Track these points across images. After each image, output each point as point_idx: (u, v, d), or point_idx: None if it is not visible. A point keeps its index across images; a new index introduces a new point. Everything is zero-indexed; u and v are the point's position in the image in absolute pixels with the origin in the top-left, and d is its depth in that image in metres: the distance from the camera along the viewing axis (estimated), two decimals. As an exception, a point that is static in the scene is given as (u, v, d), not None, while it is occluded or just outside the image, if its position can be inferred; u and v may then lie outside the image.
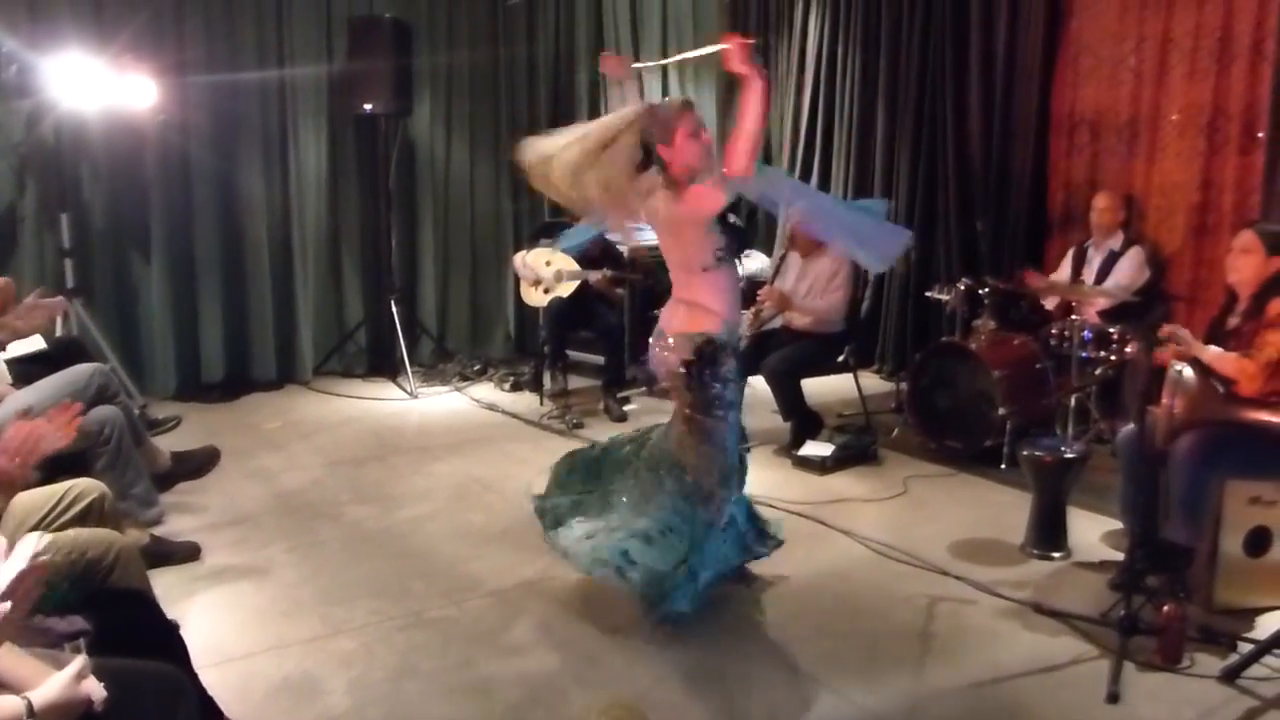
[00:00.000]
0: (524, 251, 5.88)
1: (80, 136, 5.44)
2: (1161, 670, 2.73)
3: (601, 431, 5.07)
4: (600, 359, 5.88)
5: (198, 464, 4.10)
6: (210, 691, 2.16)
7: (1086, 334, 4.48)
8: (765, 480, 4.20)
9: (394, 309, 6.23)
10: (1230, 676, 2.68)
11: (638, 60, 3.90)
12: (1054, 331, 4.69)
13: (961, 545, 3.67)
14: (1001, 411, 4.39)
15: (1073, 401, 4.53)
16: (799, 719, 2.57)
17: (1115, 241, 4.88)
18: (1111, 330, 4.49)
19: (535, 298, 5.73)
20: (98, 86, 4.89)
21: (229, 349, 6.07)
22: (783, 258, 5.19)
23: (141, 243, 5.77)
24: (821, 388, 5.16)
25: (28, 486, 2.32)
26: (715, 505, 2.96)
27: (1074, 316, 4.50)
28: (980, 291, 4.83)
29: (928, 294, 5.32)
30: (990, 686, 2.70)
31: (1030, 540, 3.61)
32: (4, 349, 3.71)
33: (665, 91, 7.15)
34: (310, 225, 6.36)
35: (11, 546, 1.58)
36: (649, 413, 5.28)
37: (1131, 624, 2.78)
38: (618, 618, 3.06)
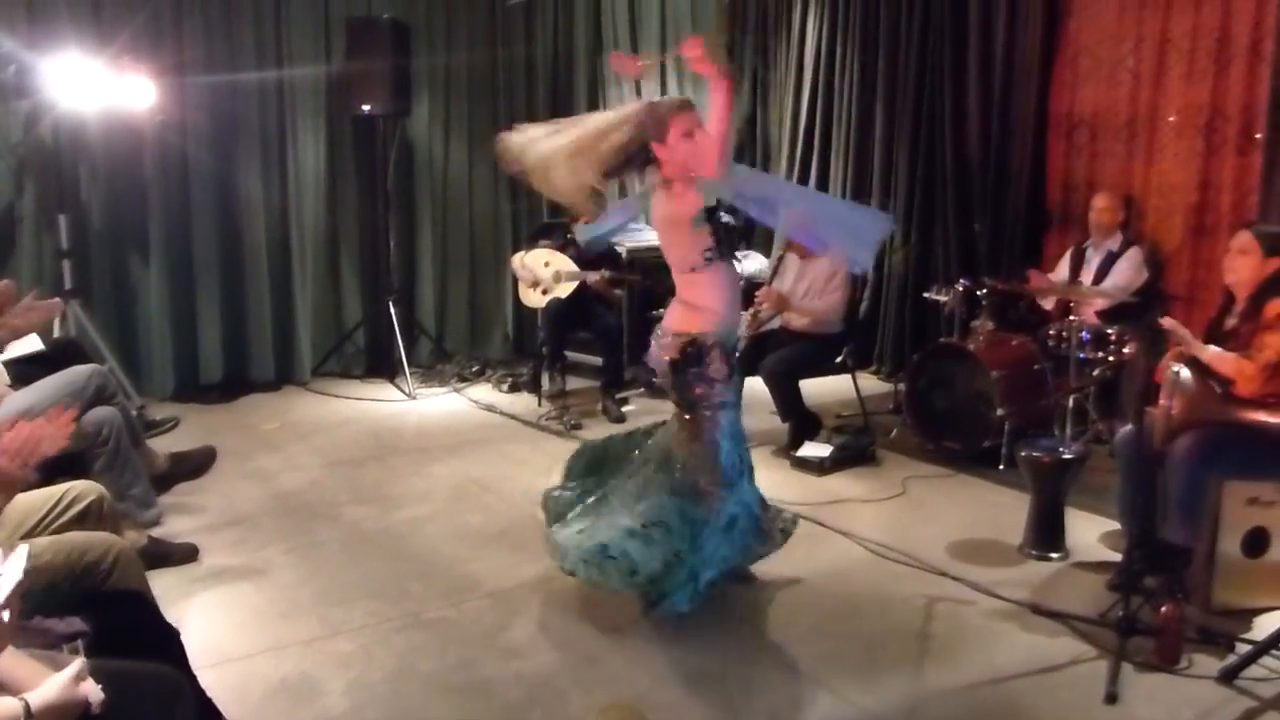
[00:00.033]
0: (522, 252, 5.88)
1: (78, 137, 5.44)
2: (1160, 671, 2.73)
3: (600, 433, 5.06)
4: (599, 360, 5.88)
5: (195, 464, 4.10)
6: (208, 693, 2.16)
7: (1085, 335, 4.48)
8: (764, 481, 4.12)
9: (392, 310, 6.23)
10: (1228, 677, 2.68)
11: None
12: (1052, 332, 4.69)
13: (960, 546, 3.67)
14: (1000, 412, 4.39)
15: (1071, 402, 4.53)
16: (797, 720, 2.57)
17: (1114, 242, 4.89)
18: (1110, 331, 4.49)
19: (533, 298, 5.73)
20: (96, 87, 4.88)
21: (227, 350, 6.07)
22: (780, 258, 5.19)
23: (140, 243, 5.76)
24: (820, 388, 5.16)
25: (27, 488, 2.32)
26: (709, 504, 2.96)
27: (1072, 317, 4.50)
28: (978, 292, 4.84)
29: (926, 295, 5.33)
30: (988, 687, 2.70)
31: (1028, 541, 3.61)
32: (2, 349, 3.71)
33: (664, 90, 7.14)
34: (309, 226, 6.36)
35: (6, 554, 1.58)
36: (647, 413, 5.28)
37: (1130, 625, 2.78)
38: (617, 618, 3.06)
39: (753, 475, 3.18)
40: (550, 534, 3.17)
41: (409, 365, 6.23)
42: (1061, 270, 5.06)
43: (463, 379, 6.37)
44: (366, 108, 6.03)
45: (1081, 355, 4.46)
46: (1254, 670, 2.69)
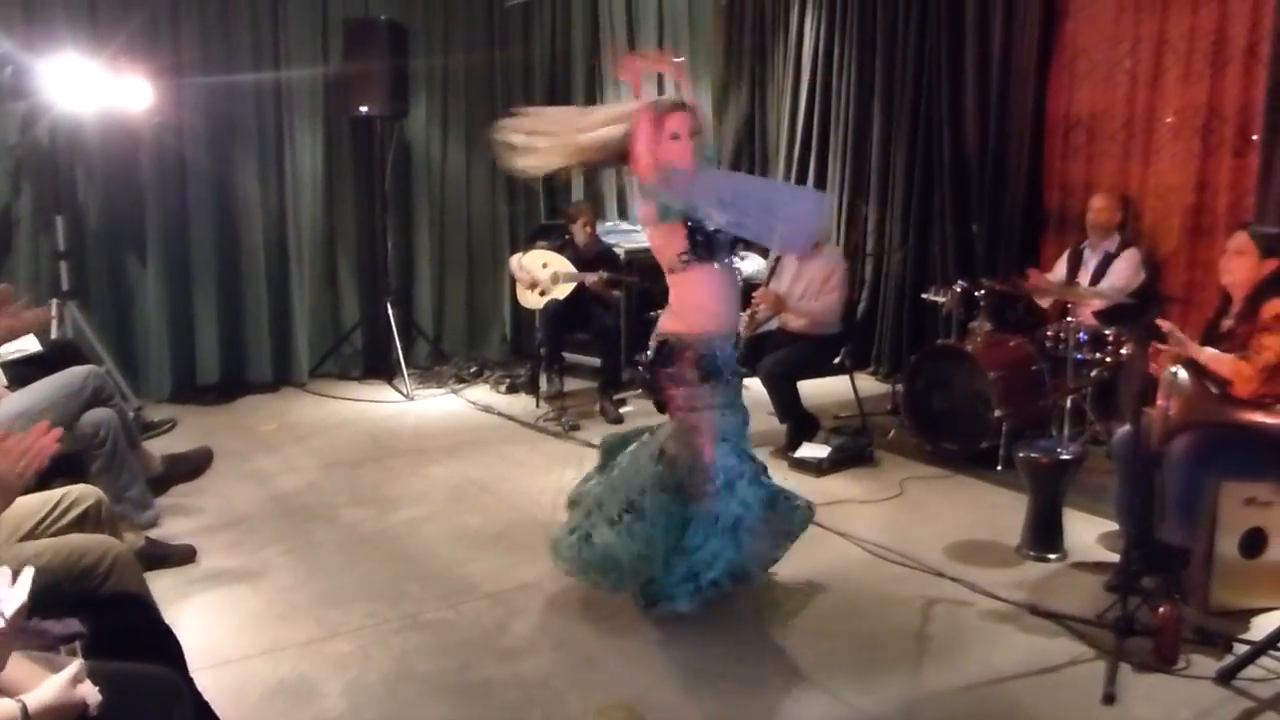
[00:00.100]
0: (520, 253, 5.89)
1: (76, 138, 5.43)
2: (1157, 671, 2.74)
3: (598, 434, 5.06)
4: (596, 361, 5.88)
5: (192, 466, 4.09)
6: (205, 695, 2.15)
7: (1082, 336, 4.49)
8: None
9: (390, 311, 6.23)
10: (1226, 677, 2.69)
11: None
12: (1050, 333, 4.69)
13: (958, 547, 3.67)
14: (997, 413, 4.40)
15: (1068, 403, 4.53)
16: (796, 721, 2.57)
17: (1111, 243, 4.89)
18: (1107, 332, 4.49)
19: (531, 300, 5.73)
20: (93, 88, 4.87)
21: (224, 351, 6.07)
22: (778, 259, 5.20)
23: (137, 245, 5.76)
24: (818, 389, 5.16)
25: (25, 491, 2.32)
26: (697, 503, 2.97)
27: (1070, 318, 4.51)
28: (976, 293, 4.84)
29: (924, 296, 5.33)
30: (986, 688, 2.70)
31: (1026, 542, 3.61)
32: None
33: (660, 91, 7.14)
34: (306, 227, 6.36)
35: (13, 576, 1.58)
36: (645, 414, 5.28)
37: (1127, 625, 2.79)
38: (616, 619, 3.06)
39: (757, 477, 3.16)
40: (550, 535, 3.19)
41: (407, 366, 6.23)
42: (1059, 271, 5.07)
43: (460, 380, 6.36)
44: (364, 109, 6.03)
45: (1079, 356, 4.46)
46: (1252, 670, 2.70)
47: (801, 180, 6.78)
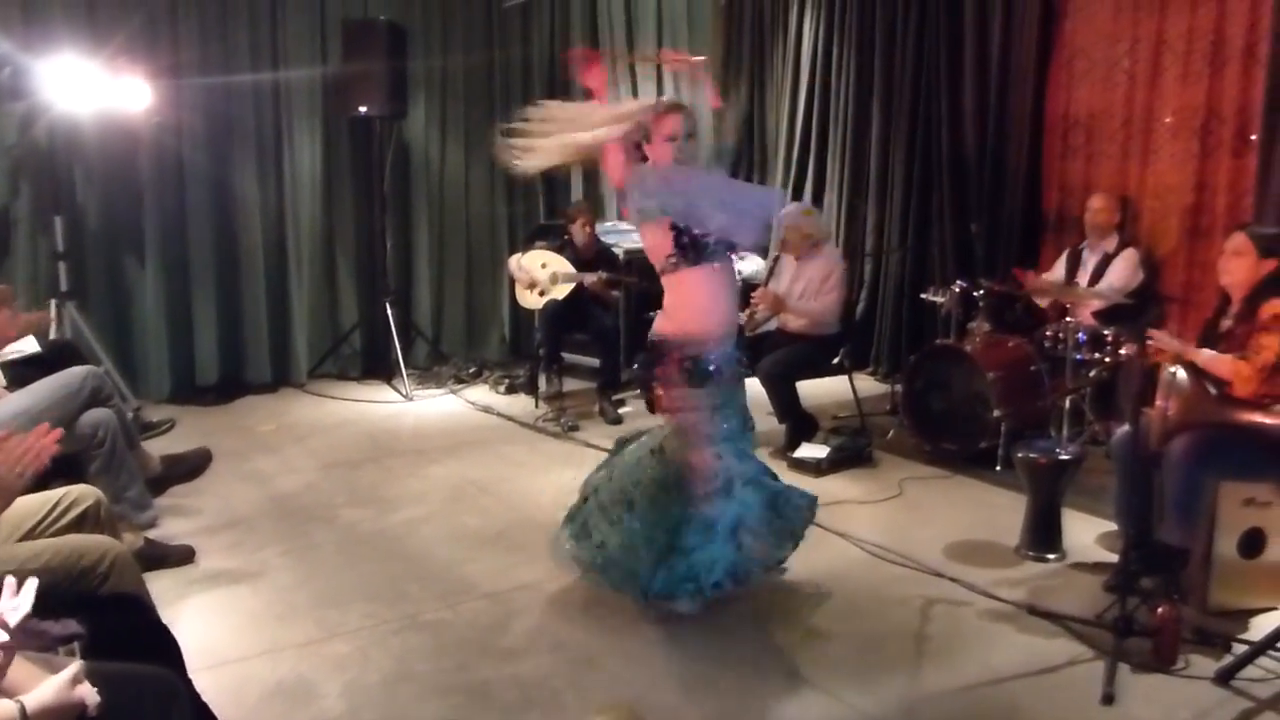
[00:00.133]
0: (519, 254, 5.88)
1: (74, 139, 5.43)
2: (1156, 672, 2.74)
3: (597, 434, 5.07)
4: (595, 361, 5.87)
5: (191, 466, 4.08)
6: (204, 695, 2.15)
7: (1081, 336, 4.48)
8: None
9: (389, 311, 6.23)
10: (1225, 678, 2.69)
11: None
12: (1049, 333, 4.70)
13: (957, 547, 3.67)
14: (996, 413, 4.40)
15: (1067, 403, 4.53)
16: (795, 721, 2.57)
17: (1110, 243, 4.89)
18: (1106, 332, 4.49)
19: (530, 300, 5.73)
20: (92, 89, 4.87)
21: (223, 352, 6.06)
22: (776, 259, 5.20)
23: (136, 245, 5.75)
24: (817, 390, 5.16)
25: (24, 492, 2.32)
26: (693, 502, 2.97)
27: (1069, 318, 4.51)
28: (975, 293, 4.84)
29: (923, 296, 5.33)
30: (985, 688, 2.70)
31: (1025, 542, 3.61)
32: (-2, 352, 3.71)
33: (660, 92, 7.14)
34: (305, 228, 6.35)
35: (16, 586, 1.58)
36: (644, 415, 5.27)
37: (1126, 625, 2.79)
38: (615, 620, 3.06)
39: (758, 478, 3.16)
40: (558, 536, 3.21)
41: (405, 367, 6.23)
42: (1057, 271, 5.07)
43: (459, 380, 6.36)
44: (363, 109, 6.03)
45: (1078, 356, 4.46)
46: (1250, 671, 2.70)
47: (801, 180, 6.78)
